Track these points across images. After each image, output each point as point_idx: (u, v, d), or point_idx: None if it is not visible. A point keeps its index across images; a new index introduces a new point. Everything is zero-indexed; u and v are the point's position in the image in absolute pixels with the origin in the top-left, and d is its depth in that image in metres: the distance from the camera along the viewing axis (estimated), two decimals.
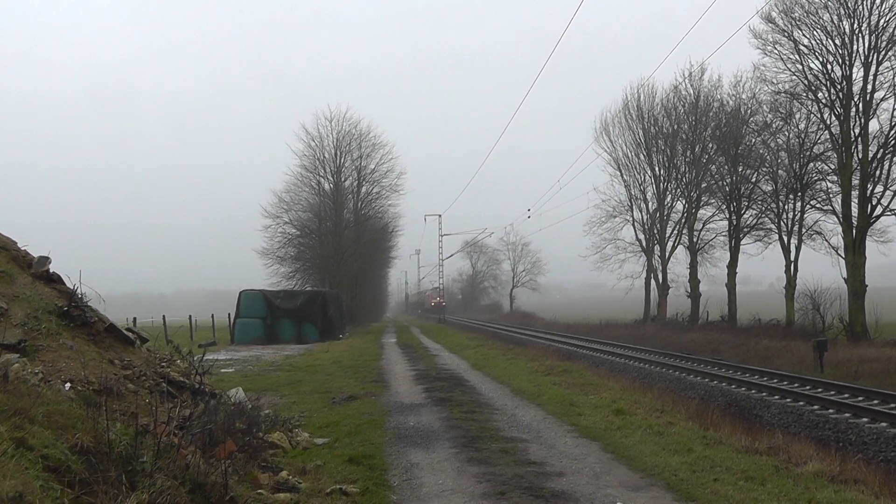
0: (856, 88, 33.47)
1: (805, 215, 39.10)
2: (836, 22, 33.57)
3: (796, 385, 20.09)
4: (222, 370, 21.47)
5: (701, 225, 49.16)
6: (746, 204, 43.73)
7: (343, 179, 60.53)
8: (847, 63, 33.55)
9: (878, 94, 33.05)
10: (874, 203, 33.27)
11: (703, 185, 47.73)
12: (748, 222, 44.01)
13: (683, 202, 50.55)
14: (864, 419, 15.25)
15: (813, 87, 35.15)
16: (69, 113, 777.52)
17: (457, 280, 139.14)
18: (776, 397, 18.50)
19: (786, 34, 35.01)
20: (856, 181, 33.62)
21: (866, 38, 32.92)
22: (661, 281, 52.75)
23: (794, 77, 35.69)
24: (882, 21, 32.29)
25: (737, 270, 45.30)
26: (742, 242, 44.64)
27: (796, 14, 34.54)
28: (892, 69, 32.55)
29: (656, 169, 52.68)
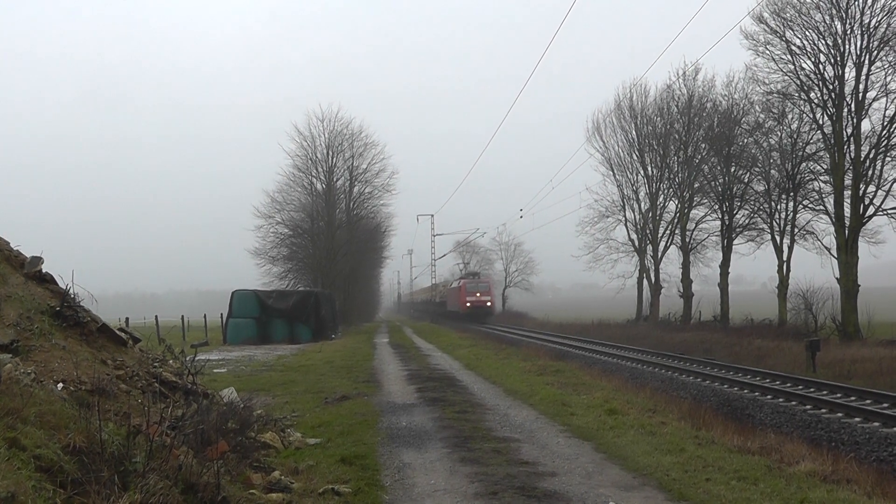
0: (848, 88, 33.61)
1: (797, 215, 39.21)
2: (827, 22, 33.71)
3: (789, 385, 20.14)
4: (215, 370, 21.44)
5: (693, 225, 49.25)
6: (739, 204, 43.82)
7: (335, 179, 60.53)
8: (839, 63, 33.66)
9: (871, 94, 33.22)
10: (866, 203, 33.40)
11: (696, 185, 47.79)
12: (740, 222, 44.11)
13: (676, 202, 50.61)
14: (857, 419, 15.29)
15: (805, 88, 35.26)
16: (65, 114, 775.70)
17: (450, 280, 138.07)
18: (768, 397, 18.53)
19: (777, 34, 35.12)
20: (848, 181, 33.75)
21: (858, 38, 33.05)
22: (653, 281, 52.81)
23: (786, 77, 35.82)
24: (874, 21, 32.45)
25: (729, 270, 45.39)
26: (734, 242, 44.75)
27: (788, 14, 34.66)
28: (884, 69, 32.73)
29: (649, 169, 52.71)
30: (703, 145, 47.02)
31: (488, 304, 68.68)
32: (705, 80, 49.60)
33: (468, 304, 67.30)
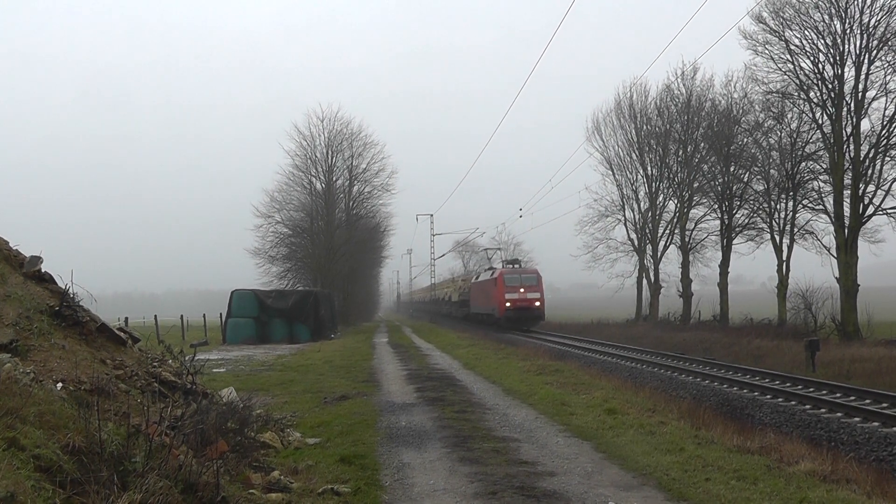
0: (847, 88, 33.65)
1: (797, 215, 39.28)
2: (826, 21, 33.76)
3: (788, 384, 20.14)
4: (214, 370, 21.41)
5: (693, 224, 49.29)
6: (738, 203, 43.88)
7: (335, 179, 60.51)
8: (838, 62, 33.70)
9: (870, 94, 33.31)
10: (866, 202, 33.43)
11: (696, 184, 47.83)
12: (740, 222, 44.16)
13: (675, 202, 50.66)
14: (856, 419, 15.30)
15: (804, 87, 35.30)
16: (65, 113, 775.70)
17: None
18: (768, 397, 18.53)
19: (776, 34, 35.18)
20: (848, 180, 33.79)
21: (857, 37, 33.10)
22: (652, 280, 52.82)
23: (785, 77, 35.90)
24: (873, 20, 32.51)
25: (728, 270, 45.42)
26: (734, 242, 44.80)
27: (787, 14, 34.71)
28: (884, 68, 32.77)
29: (648, 168, 52.73)
30: (703, 145, 47.07)
31: (537, 303, 47.76)
32: (703, 80, 49.67)
33: (508, 305, 47.11)
